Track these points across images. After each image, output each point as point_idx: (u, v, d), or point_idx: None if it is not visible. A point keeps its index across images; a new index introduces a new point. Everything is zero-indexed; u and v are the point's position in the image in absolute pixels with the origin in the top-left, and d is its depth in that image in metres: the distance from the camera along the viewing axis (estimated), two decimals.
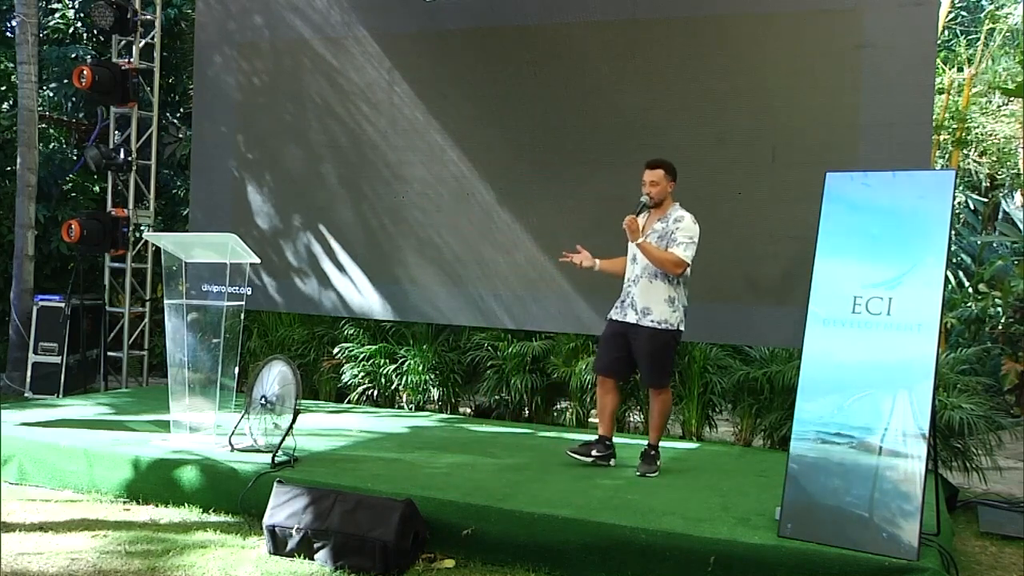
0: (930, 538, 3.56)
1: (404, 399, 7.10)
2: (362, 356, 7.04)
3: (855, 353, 3.69)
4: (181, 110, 10.32)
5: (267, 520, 3.84)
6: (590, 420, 6.72)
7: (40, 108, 8.65)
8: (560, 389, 6.69)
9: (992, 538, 4.52)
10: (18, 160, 7.98)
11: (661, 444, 4.85)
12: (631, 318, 4.69)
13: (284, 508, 3.84)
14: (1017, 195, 10.22)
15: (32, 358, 7.49)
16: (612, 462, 4.92)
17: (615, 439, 4.97)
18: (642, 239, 4.60)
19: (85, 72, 7.22)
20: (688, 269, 4.63)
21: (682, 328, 4.69)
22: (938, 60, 7.99)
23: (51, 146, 9.38)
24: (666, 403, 4.82)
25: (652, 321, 4.61)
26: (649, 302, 4.62)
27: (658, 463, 4.79)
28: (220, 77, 7.29)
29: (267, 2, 7.09)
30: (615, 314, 4.79)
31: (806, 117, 5.54)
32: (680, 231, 4.59)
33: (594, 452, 4.86)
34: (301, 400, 4.69)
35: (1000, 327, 8.55)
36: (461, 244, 6.45)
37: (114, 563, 3.65)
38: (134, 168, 7.68)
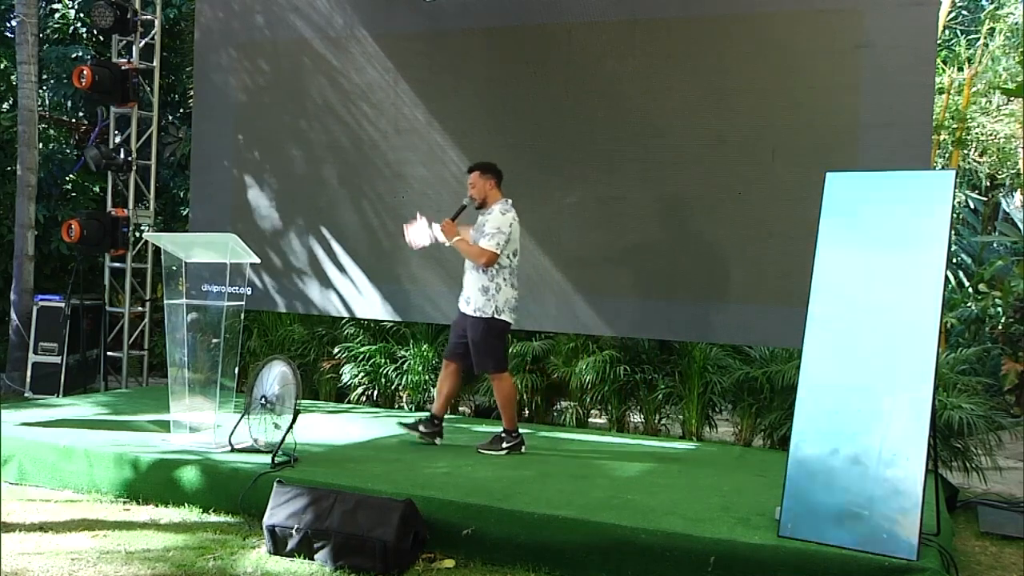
0: (930, 538, 3.56)
1: (404, 399, 7.10)
2: (362, 356, 7.04)
3: (855, 353, 3.68)
4: (181, 110, 10.31)
5: (267, 520, 3.84)
6: (590, 420, 6.73)
7: (40, 108, 8.64)
8: (560, 389, 6.69)
9: (992, 538, 4.52)
10: (18, 160, 7.98)
11: (661, 444, 4.85)
12: (461, 304, 5.11)
13: (284, 508, 3.84)
14: (1017, 195, 10.22)
15: (32, 358, 7.48)
16: (438, 441, 5.18)
17: (619, 439, 4.98)
18: (456, 239, 4.97)
19: (85, 72, 7.22)
20: (508, 259, 4.95)
21: (501, 317, 4.96)
22: (938, 60, 7.98)
23: (51, 146, 9.38)
24: (504, 388, 5.06)
25: (473, 310, 4.98)
26: (470, 291, 5.02)
27: (503, 446, 5.02)
28: (221, 77, 7.29)
29: (268, 2, 7.09)
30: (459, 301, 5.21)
31: (806, 117, 5.54)
32: (488, 223, 4.93)
33: (422, 428, 5.16)
34: (301, 400, 4.69)
35: (1000, 327, 8.54)
36: None
37: (114, 563, 3.65)
38: (134, 168, 7.68)
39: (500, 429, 5.15)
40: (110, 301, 7.86)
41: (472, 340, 5.00)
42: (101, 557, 3.71)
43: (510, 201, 5.07)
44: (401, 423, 5.30)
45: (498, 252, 4.89)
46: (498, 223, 4.91)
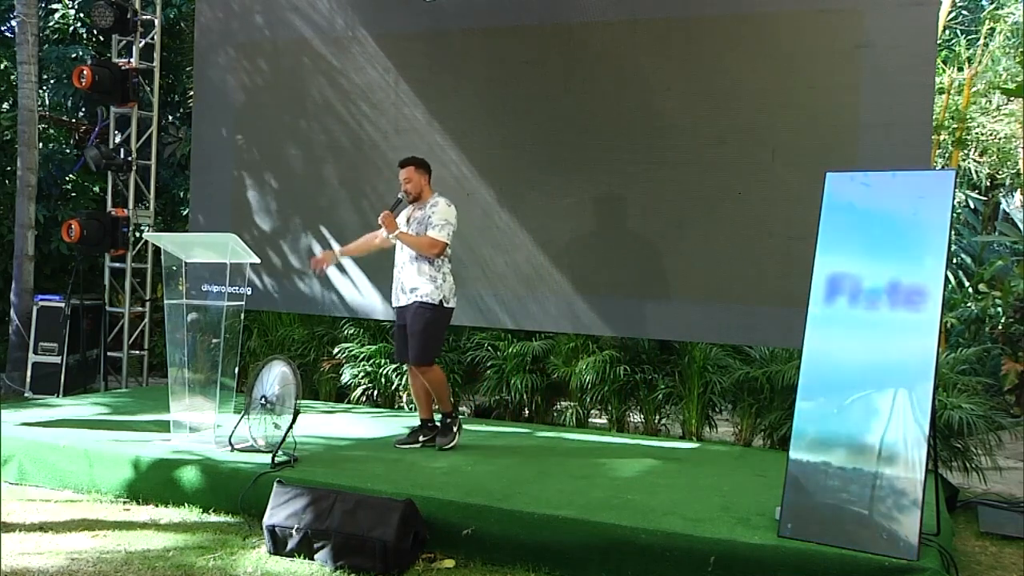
0: (930, 538, 3.56)
1: (404, 399, 7.09)
2: (362, 356, 7.04)
3: (854, 353, 3.68)
4: (181, 110, 10.32)
5: (267, 520, 3.84)
6: (590, 420, 6.73)
7: (40, 108, 8.64)
8: (560, 389, 6.69)
9: (992, 538, 4.52)
10: (18, 160, 7.98)
11: (661, 444, 4.85)
12: (402, 301, 5.05)
13: (284, 508, 3.84)
14: (1017, 195, 10.22)
15: (32, 358, 7.49)
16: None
17: (619, 439, 4.98)
18: (398, 231, 4.96)
19: (85, 72, 7.22)
20: (452, 249, 5.02)
21: (448, 305, 4.99)
22: (938, 60, 7.98)
23: (51, 146, 9.38)
24: (437, 376, 5.06)
25: (419, 296, 4.94)
26: (415, 283, 4.97)
27: (455, 430, 5.07)
28: (220, 77, 7.29)
29: (268, 2, 7.09)
30: (393, 301, 5.15)
31: (806, 117, 5.54)
32: (436, 215, 4.96)
33: (421, 437, 5.16)
34: (301, 400, 4.69)
35: (1000, 327, 8.54)
36: (461, 244, 6.39)
37: (114, 563, 3.65)
38: (134, 168, 7.69)
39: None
40: (110, 301, 7.86)
41: (414, 330, 4.93)
42: (101, 557, 3.71)
43: (441, 193, 5.16)
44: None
45: (449, 242, 4.97)
46: (445, 215, 4.97)
